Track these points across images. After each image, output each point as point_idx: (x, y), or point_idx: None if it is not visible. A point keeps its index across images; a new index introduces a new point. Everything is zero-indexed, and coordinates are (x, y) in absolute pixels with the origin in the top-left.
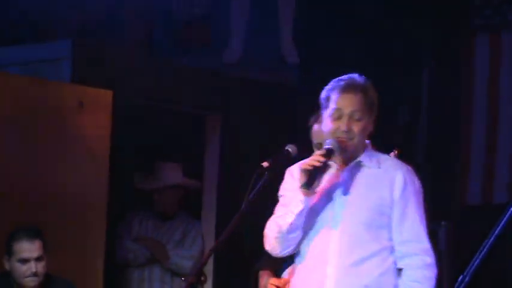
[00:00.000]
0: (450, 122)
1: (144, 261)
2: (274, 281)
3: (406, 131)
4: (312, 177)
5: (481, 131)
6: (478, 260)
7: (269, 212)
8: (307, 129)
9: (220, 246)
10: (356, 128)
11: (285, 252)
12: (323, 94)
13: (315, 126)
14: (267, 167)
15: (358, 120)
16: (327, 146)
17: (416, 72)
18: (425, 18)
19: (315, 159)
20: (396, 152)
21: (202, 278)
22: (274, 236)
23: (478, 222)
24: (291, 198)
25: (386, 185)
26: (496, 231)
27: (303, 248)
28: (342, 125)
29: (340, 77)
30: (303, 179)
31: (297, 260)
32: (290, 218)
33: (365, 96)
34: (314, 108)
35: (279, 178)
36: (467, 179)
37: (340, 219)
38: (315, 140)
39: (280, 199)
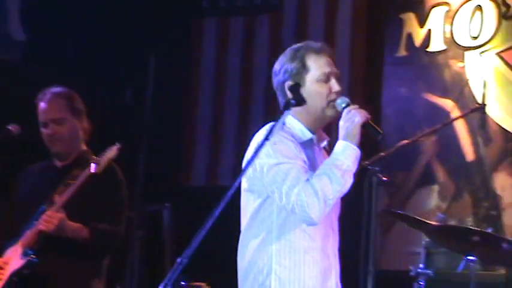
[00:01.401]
0: (177, 104)
1: None
2: None
3: (131, 113)
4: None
5: (207, 114)
6: (196, 243)
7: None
8: (33, 107)
9: None
10: (341, 87)
11: None
12: (293, 61)
13: (41, 104)
14: None
15: (339, 80)
16: (347, 102)
17: (144, 54)
18: (155, 1)
19: (363, 111)
20: (118, 146)
21: None
22: (333, 199)
23: (202, 203)
24: (300, 163)
25: None
26: (215, 215)
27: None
28: (335, 86)
29: (306, 42)
30: (370, 130)
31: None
32: (350, 177)
33: (334, 58)
34: (40, 86)
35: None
36: (192, 160)
37: None
38: (41, 118)
39: (292, 165)
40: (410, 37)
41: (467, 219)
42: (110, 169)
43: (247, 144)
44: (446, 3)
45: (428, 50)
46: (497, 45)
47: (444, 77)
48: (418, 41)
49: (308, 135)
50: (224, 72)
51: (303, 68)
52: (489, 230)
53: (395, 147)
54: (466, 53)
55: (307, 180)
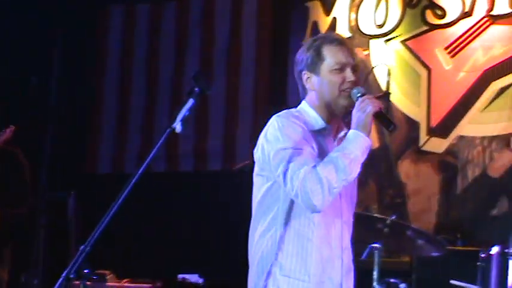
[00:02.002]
0: (83, 92)
1: None
2: None
3: (36, 100)
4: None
5: (113, 101)
6: (99, 230)
7: None
8: None
9: None
10: (357, 79)
11: None
12: (309, 51)
13: None
14: None
15: (357, 72)
16: (362, 92)
17: (50, 41)
18: None
19: (377, 102)
20: (12, 128)
21: None
22: (338, 187)
23: (108, 191)
24: (309, 149)
25: None
26: (118, 202)
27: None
28: (349, 76)
29: (326, 33)
30: (383, 121)
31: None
32: (357, 166)
33: (354, 51)
34: None
35: None
36: (98, 148)
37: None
38: None
39: (299, 151)
40: (316, 25)
41: (373, 207)
42: (12, 152)
43: (154, 132)
44: None
45: None
46: (402, 33)
47: None
48: (323, 29)
49: (321, 124)
50: (130, 60)
51: (318, 58)
52: (394, 217)
53: None
54: (371, 41)
55: (314, 166)
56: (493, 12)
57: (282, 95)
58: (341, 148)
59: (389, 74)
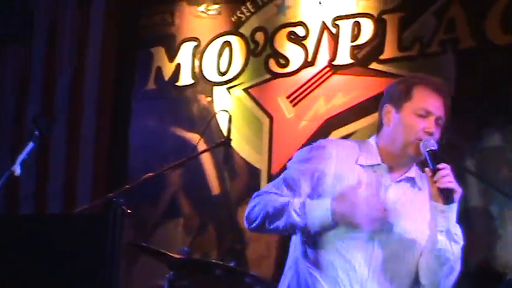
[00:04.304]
0: None
1: None
2: None
3: None
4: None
5: None
6: None
7: None
8: None
9: None
10: (437, 134)
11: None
12: (399, 85)
13: None
14: None
15: (440, 126)
16: (433, 148)
17: None
18: None
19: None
20: None
21: None
22: (270, 231)
23: None
24: (308, 167)
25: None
26: None
27: (326, 255)
28: (430, 126)
29: (423, 75)
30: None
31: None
32: (293, 229)
33: (449, 104)
34: None
35: None
36: None
37: (385, 244)
38: None
39: (289, 170)
40: (159, 71)
41: (212, 253)
42: None
43: None
44: (196, 39)
45: (177, 84)
46: (244, 81)
47: (192, 111)
48: (167, 75)
49: (376, 161)
50: None
51: (406, 94)
52: (232, 264)
53: (141, 180)
54: (215, 88)
55: (275, 194)
56: (335, 62)
57: (123, 138)
58: (302, 207)
59: (230, 121)
